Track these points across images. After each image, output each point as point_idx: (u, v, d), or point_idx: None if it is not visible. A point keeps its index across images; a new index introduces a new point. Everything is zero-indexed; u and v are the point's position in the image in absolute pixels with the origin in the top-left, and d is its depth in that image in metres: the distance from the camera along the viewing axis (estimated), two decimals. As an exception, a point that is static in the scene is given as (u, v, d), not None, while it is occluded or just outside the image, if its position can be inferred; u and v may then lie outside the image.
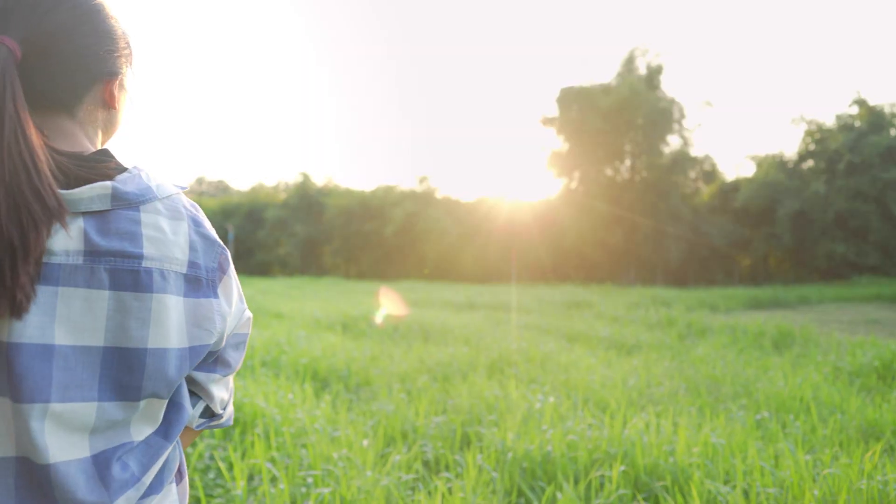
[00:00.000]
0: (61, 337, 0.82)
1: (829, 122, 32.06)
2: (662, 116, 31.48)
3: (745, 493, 2.99)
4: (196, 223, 0.93)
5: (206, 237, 0.94)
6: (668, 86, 48.63)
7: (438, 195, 37.18)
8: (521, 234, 32.21)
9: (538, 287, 25.01)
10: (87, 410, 0.83)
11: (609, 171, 33.03)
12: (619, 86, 31.93)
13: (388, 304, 13.55)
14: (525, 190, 51.29)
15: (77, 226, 0.83)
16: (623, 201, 31.61)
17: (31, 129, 0.83)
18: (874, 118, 29.95)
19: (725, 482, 3.16)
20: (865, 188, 28.46)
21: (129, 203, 0.86)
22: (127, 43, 1.01)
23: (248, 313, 1.06)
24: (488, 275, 32.21)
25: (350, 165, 70.13)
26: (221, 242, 0.97)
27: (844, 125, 30.63)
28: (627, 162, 32.96)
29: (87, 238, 0.83)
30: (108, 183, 0.85)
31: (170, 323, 0.88)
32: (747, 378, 6.00)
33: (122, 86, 1.01)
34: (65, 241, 0.83)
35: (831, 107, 62.10)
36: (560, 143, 33.65)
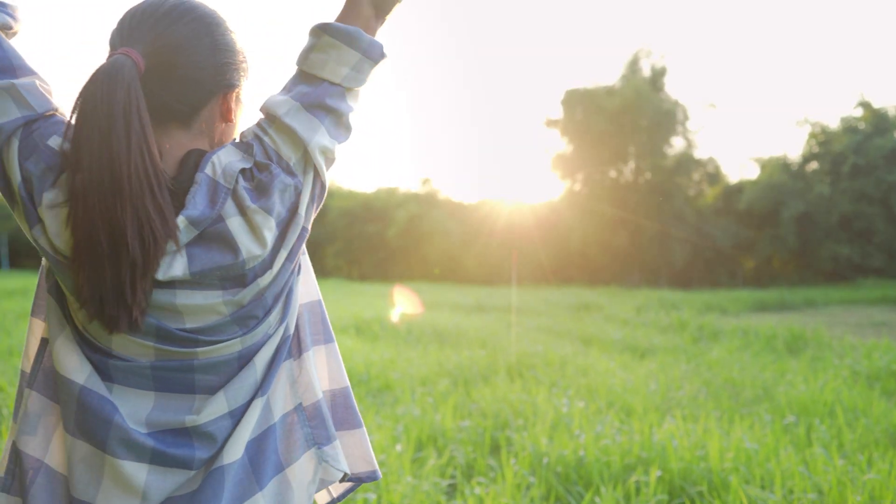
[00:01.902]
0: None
1: (834, 124, 32.08)
2: (666, 118, 31.49)
3: (785, 499, 3.00)
4: (255, 199, 0.92)
5: (270, 210, 0.92)
6: (672, 88, 48.66)
7: (441, 197, 37.22)
8: (523, 236, 32.22)
9: (543, 289, 25.03)
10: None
11: (613, 173, 33.05)
12: (624, 88, 31.94)
13: (403, 302, 13.56)
14: (528, 192, 51.29)
15: (182, 255, 0.89)
16: (627, 203, 31.61)
17: (154, 145, 0.87)
18: (878, 121, 29.96)
19: (762, 487, 3.17)
20: (870, 190, 28.47)
21: (211, 219, 0.89)
22: (244, 57, 1.02)
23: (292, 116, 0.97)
24: (491, 276, 32.20)
25: (352, 167, 70.26)
26: (271, 170, 0.94)
27: (849, 127, 30.62)
28: (631, 164, 32.97)
29: (190, 263, 0.89)
30: (182, 217, 0.88)
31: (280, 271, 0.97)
32: (765, 381, 6.01)
33: (238, 99, 1.03)
34: (169, 269, 0.88)
35: (835, 109, 62.12)
36: (564, 145, 33.68)
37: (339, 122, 1.00)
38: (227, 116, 1.00)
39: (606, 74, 55.77)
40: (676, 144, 32.65)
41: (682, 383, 5.85)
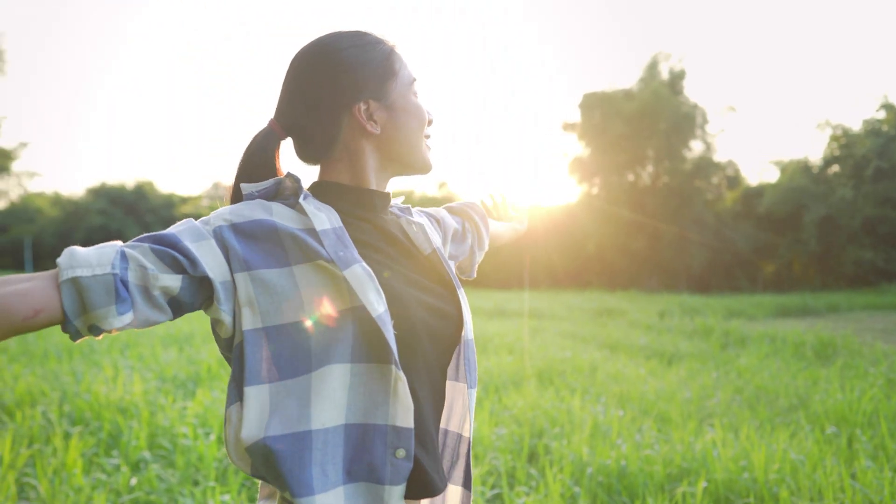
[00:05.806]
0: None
1: (856, 126, 31.70)
2: (685, 121, 31.29)
3: (836, 512, 2.95)
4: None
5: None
6: (691, 91, 48.26)
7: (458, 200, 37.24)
8: (540, 240, 32.11)
9: (562, 293, 24.92)
10: None
11: (631, 177, 32.88)
12: (642, 91, 31.79)
13: None
14: (545, 195, 51.14)
15: None
16: (645, 207, 31.44)
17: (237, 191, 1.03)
18: (902, 123, 29.55)
19: (810, 500, 3.12)
20: (894, 194, 28.09)
21: None
22: (364, 65, 0.99)
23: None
24: (508, 280, 32.14)
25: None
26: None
27: (872, 130, 30.25)
28: (650, 167, 32.78)
29: None
30: None
31: None
32: (798, 389, 5.93)
33: (383, 106, 0.99)
34: None
35: (858, 111, 61.36)
36: (581, 149, 33.56)
37: None
38: (366, 130, 0.99)
39: (624, 77, 55.53)
40: (695, 148, 32.44)
41: (714, 391, 5.79)
